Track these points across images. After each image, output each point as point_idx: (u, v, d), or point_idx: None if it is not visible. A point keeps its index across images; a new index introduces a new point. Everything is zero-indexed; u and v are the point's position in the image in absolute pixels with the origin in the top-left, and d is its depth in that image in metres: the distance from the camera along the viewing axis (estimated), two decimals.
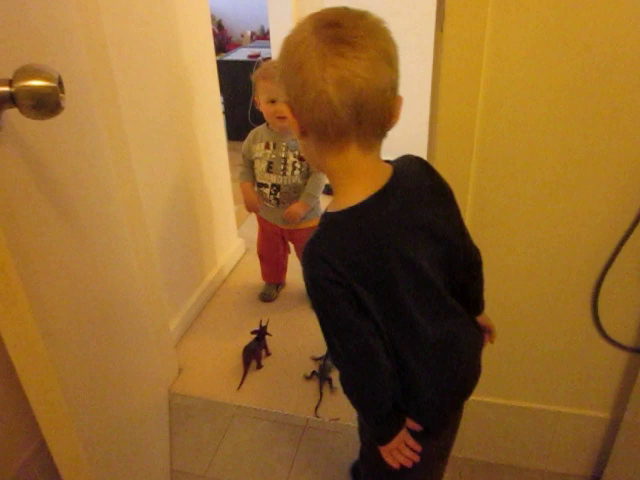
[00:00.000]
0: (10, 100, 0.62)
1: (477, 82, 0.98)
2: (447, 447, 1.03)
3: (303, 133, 0.72)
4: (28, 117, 0.64)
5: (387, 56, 0.67)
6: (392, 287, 0.76)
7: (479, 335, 0.92)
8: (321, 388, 1.69)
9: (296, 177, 1.86)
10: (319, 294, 0.74)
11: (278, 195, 1.89)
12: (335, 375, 1.73)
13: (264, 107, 1.80)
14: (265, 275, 2.22)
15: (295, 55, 0.67)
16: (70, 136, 0.95)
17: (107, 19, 1.30)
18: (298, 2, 2.91)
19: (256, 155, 1.90)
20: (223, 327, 2.03)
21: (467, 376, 0.90)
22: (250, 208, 1.97)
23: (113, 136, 1.29)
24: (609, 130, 1.01)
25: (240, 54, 3.93)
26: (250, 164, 1.93)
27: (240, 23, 5.08)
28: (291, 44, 0.68)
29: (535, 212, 1.12)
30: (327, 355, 1.78)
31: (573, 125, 1.02)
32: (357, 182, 0.73)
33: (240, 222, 2.57)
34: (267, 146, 1.87)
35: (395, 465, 0.87)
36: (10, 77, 0.62)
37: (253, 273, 2.27)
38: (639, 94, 0.96)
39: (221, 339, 1.96)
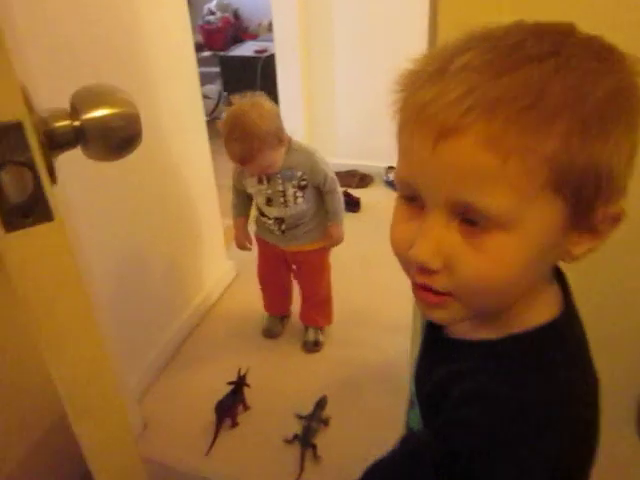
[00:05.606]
0: None
1: None
2: None
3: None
4: None
5: None
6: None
7: None
8: (302, 459, 1.42)
9: (300, 205, 1.62)
10: (563, 440, 0.47)
11: (283, 226, 1.66)
12: (320, 441, 1.47)
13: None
14: (267, 305, 1.92)
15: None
16: None
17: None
18: None
19: (250, 190, 1.65)
20: (203, 369, 1.78)
21: None
22: (240, 246, 1.76)
23: None
24: None
25: (246, 49, 3.68)
26: (244, 195, 1.69)
27: (257, 12, 4.81)
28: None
29: None
30: (313, 414, 1.53)
31: None
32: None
33: (229, 241, 2.31)
34: (260, 181, 1.60)
35: None
36: None
37: (244, 302, 2.03)
38: None
39: (199, 385, 1.71)
